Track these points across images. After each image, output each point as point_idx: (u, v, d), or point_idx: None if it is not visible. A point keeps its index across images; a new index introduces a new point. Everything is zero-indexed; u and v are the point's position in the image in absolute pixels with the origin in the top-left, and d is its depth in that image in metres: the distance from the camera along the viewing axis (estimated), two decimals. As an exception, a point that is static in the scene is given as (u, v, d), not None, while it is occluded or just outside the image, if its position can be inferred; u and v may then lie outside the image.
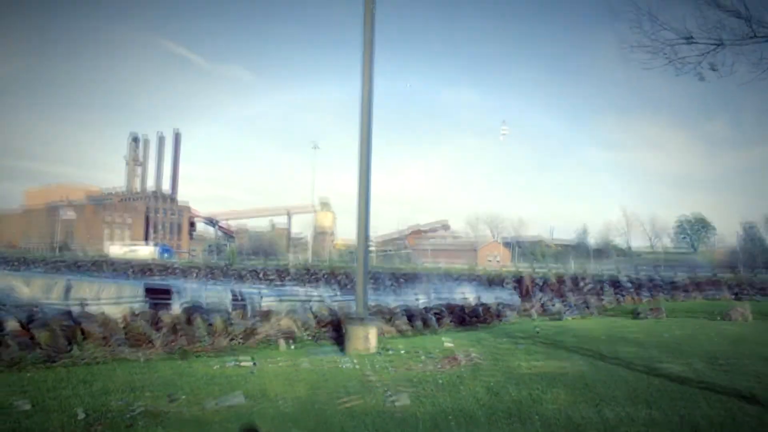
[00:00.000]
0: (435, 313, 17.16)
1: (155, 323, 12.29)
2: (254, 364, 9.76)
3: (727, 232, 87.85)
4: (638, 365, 9.58)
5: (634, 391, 7.35)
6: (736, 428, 6.03)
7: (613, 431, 5.75)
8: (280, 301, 23.96)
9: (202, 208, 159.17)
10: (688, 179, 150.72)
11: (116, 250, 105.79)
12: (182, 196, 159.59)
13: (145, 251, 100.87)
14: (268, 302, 24.19)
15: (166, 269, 78.84)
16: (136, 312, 12.93)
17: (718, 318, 19.04)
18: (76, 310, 13.41)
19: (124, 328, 11.66)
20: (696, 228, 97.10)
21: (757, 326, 16.91)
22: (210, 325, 12.62)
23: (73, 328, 10.89)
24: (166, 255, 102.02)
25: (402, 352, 11.22)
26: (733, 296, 30.99)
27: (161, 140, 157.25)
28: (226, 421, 6.14)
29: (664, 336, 13.99)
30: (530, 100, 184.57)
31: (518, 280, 36.21)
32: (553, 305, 22.88)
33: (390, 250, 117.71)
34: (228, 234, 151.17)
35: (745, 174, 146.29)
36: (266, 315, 14.24)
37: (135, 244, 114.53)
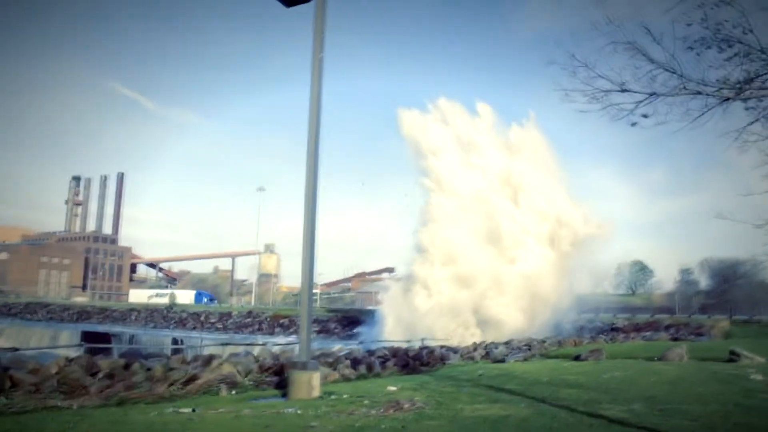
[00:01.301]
0: (379, 357, 17.12)
1: (91, 370, 11.91)
2: (193, 411, 9.51)
3: (665, 277, 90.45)
4: (579, 408, 9.69)
5: (574, 434, 7.43)
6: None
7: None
8: (222, 346, 23.53)
9: (147, 252, 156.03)
10: (628, 226, 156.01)
11: (139, 296, 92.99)
12: (126, 240, 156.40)
13: (182, 297, 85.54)
14: (209, 347, 23.71)
15: (104, 313, 76.29)
16: (71, 358, 12.51)
17: (656, 359, 19.48)
18: (5, 356, 12.88)
19: (57, 374, 11.25)
20: (635, 271, 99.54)
21: (693, 366, 17.34)
22: (149, 370, 12.30)
23: (1, 375, 10.45)
24: (205, 300, 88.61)
25: (345, 397, 11.09)
26: (670, 338, 31.84)
27: (104, 181, 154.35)
28: (162, 472, 5.94)
29: (605, 378, 14.21)
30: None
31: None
32: (497, 348, 23.07)
33: (335, 293, 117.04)
34: (170, 277, 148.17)
35: (681, 220, 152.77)
36: (207, 361, 13.96)
37: (166, 290, 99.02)
